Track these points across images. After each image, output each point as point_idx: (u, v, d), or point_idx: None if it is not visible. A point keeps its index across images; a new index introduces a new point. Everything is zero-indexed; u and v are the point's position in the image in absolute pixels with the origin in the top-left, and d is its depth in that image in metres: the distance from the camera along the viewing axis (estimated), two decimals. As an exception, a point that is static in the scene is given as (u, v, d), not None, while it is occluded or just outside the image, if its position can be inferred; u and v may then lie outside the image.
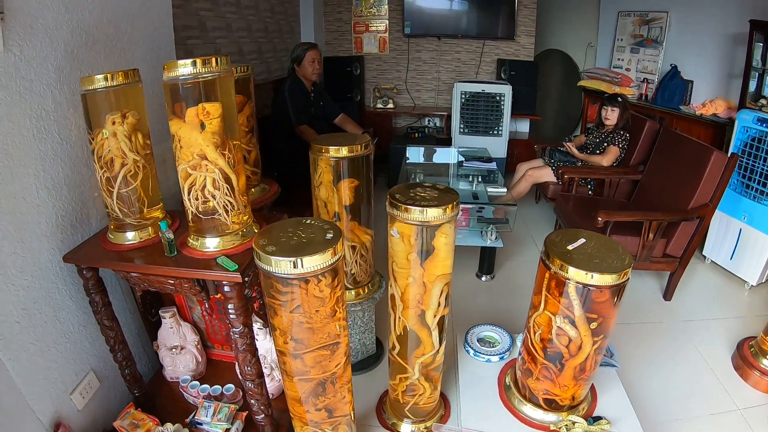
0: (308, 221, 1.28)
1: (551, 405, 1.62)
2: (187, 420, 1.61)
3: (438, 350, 1.64)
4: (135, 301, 1.79)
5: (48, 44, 1.43)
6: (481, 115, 3.70)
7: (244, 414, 1.65)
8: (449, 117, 4.01)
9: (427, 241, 1.43)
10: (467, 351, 1.95)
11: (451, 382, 1.99)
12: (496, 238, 2.66)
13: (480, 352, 1.92)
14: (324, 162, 1.74)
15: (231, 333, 1.42)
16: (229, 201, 1.37)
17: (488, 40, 4.23)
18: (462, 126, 3.76)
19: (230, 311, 1.38)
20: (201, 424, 1.59)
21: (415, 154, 3.41)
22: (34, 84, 1.40)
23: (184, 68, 1.23)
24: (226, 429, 1.59)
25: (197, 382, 1.75)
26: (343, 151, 1.72)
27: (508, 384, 1.78)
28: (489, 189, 2.81)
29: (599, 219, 2.29)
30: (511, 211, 2.72)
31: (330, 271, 1.16)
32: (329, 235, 1.20)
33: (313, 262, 1.12)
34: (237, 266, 1.34)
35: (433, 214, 1.36)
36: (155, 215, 1.56)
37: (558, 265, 1.38)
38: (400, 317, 1.60)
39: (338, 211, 1.80)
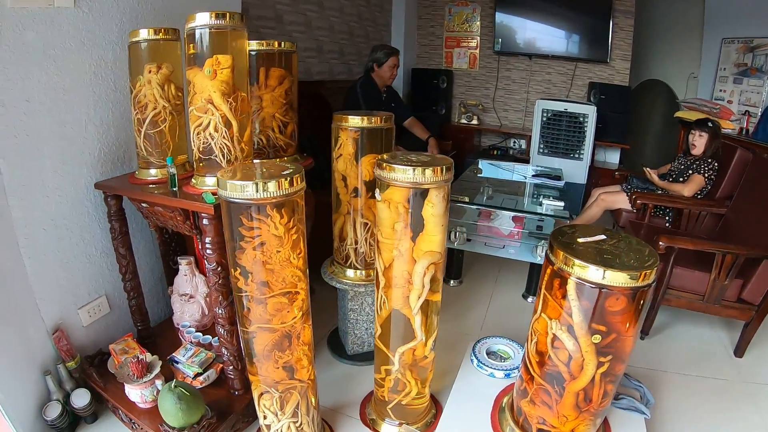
0: (278, 162, 1.34)
1: None
2: (169, 356, 1.71)
3: (423, 342, 1.55)
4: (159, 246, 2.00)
5: (114, 7, 1.72)
6: (562, 136, 3.52)
7: (220, 366, 1.71)
8: (531, 135, 3.89)
9: (414, 209, 1.37)
10: (471, 360, 1.79)
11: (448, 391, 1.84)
12: (546, 255, 2.46)
13: (484, 364, 1.75)
14: (344, 134, 1.79)
15: (206, 270, 1.51)
16: (226, 144, 1.48)
17: (581, 62, 4.05)
18: (542, 146, 3.60)
19: (207, 245, 1.47)
20: (177, 362, 1.69)
21: (487, 168, 3.32)
22: (97, 38, 1.69)
23: (201, 19, 1.38)
24: (197, 373, 1.66)
25: (193, 329, 1.86)
26: (362, 122, 1.75)
27: (503, 406, 1.60)
28: (545, 201, 2.63)
29: (660, 244, 2.02)
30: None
31: (286, 205, 1.23)
32: (288, 171, 1.25)
33: (268, 189, 1.18)
34: (215, 200, 1.42)
35: (417, 175, 1.30)
36: (181, 160, 1.73)
37: (561, 258, 1.16)
38: (382, 296, 1.55)
39: (357, 186, 1.83)
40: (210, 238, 1.45)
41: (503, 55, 4.33)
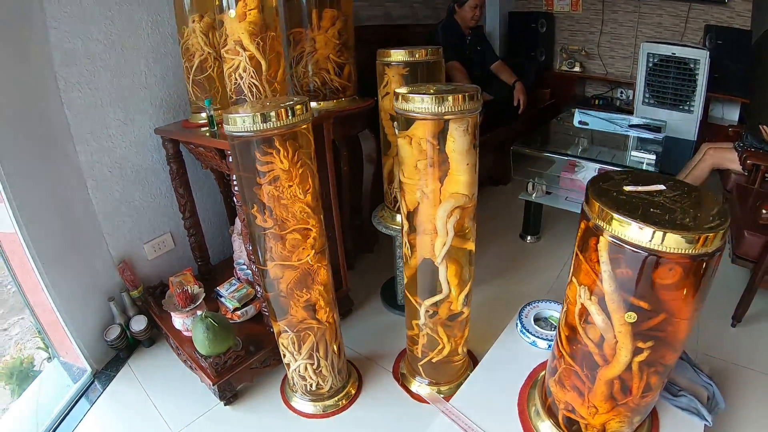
0: (293, 98, 1.34)
1: (572, 428, 1.18)
2: (215, 289, 1.83)
3: (452, 296, 1.45)
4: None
5: None
6: (669, 84, 2.98)
7: (259, 306, 1.78)
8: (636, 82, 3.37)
9: (436, 149, 1.24)
10: (516, 324, 1.64)
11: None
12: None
13: (527, 330, 1.58)
14: (390, 70, 1.70)
15: (237, 223, 1.57)
16: (254, 83, 1.50)
17: (695, 2, 3.38)
18: (647, 95, 3.10)
19: (234, 180, 1.51)
20: (221, 296, 1.79)
21: (583, 118, 2.98)
22: None
23: None
24: (236, 307, 1.74)
25: (245, 266, 1.94)
26: (406, 55, 1.65)
27: (537, 381, 1.41)
28: (633, 153, 2.29)
29: (763, 212, 1.66)
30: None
31: (289, 137, 1.24)
32: (290, 102, 1.24)
33: (271, 119, 1.19)
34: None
35: (434, 104, 1.17)
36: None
37: (597, 211, 0.90)
38: (407, 243, 1.48)
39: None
40: (235, 167, 1.50)
41: None
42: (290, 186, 1.30)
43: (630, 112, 3.29)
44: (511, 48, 4.21)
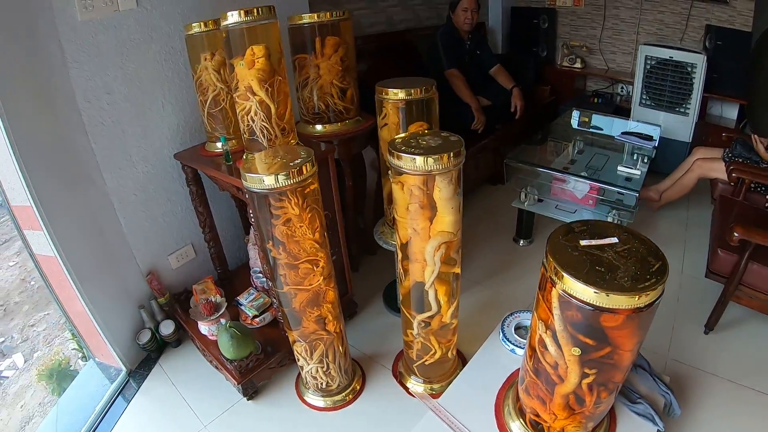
0: (297, 149, 1.51)
1: (537, 429, 1.38)
2: (235, 298, 2.06)
3: (440, 313, 1.66)
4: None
5: None
6: (666, 86, 3.06)
7: (275, 310, 2.01)
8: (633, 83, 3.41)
9: (424, 191, 1.42)
10: (498, 332, 1.86)
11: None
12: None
13: (507, 339, 1.77)
14: (388, 104, 1.83)
15: (253, 235, 1.76)
16: (265, 126, 1.66)
17: (697, 1, 3.38)
18: (644, 96, 3.19)
19: (250, 214, 1.69)
20: (240, 304, 2.02)
21: (575, 119, 3.11)
22: (163, 29, 1.90)
23: (232, 18, 1.51)
24: (255, 315, 1.98)
25: (261, 274, 2.14)
26: (402, 94, 1.79)
27: (513, 384, 1.59)
28: (620, 168, 2.44)
29: (734, 234, 1.78)
30: (629, 197, 2.30)
31: (299, 191, 1.41)
32: (298, 160, 1.41)
33: (282, 181, 1.37)
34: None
35: (423, 163, 1.35)
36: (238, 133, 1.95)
37: (551, 264, 1.06)
38: (401, 268, 1.68)
39: None
40: (253, 211, 1.69)
41: None
42: (301, 226, 1.49)
43: (628, 111, 3.39)
44: (513, 43, 4.24)
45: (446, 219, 1.50)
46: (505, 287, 2.42)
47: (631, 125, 2.92)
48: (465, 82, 2.89)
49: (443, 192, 1.45)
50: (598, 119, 3.02)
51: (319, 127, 2.10)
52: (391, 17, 3.24)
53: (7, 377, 2.55)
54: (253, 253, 2.22)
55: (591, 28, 4.03)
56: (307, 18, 1.96)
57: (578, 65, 4.04)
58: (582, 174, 2.46)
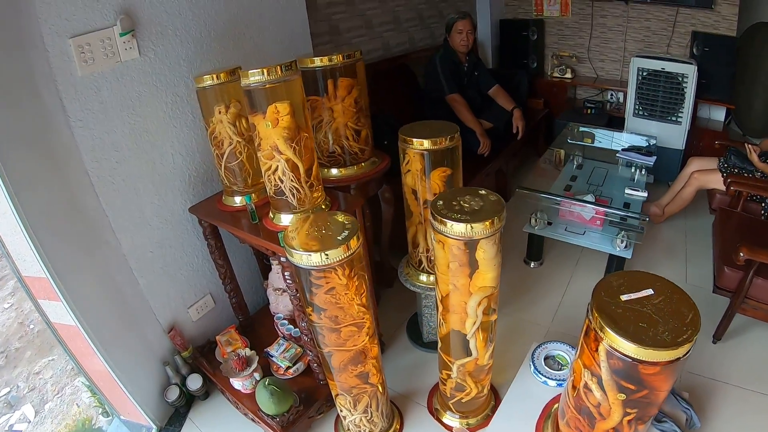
0: (338, 217, 1.41)
1: None
2: (264, 349, 1.95)
3: (479, 358, 1.63)
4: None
5: (178, 44, 1.76)
6: (659, 96, 3.05)
7: (307, 359, 1.92)
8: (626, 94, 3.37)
9: (466, 253, 1.38)
10: (529, 365, 1.83)
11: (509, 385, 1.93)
12: (626, 246, 2.30)
13: (539, 371, 1.78)
14: (411, 151, 1.75)
15: (288, 294, 1.65)
16: (294, 186, 1.54)
17: (682, 8, 3.36)
18: (637, 107, 3.17)
19: (287, 277, 1.59)
20: (272, 356, 1.91)
21: (571, 130, 3.08)
22: (168, 77, 1.76)
23: (255, 77, 1.39)
24: (288, 366, 1.88)
25: (286, 321, 2.04)
26: (427, 144, 1.69)
27: (550, 414, 1.64)
28: (627, 190, 2.42)
29: (740, 255, 1.78)
30: (647, 224, 2.30)
31: (347, 263, 1.32)
32: (345, 233, 1.32)
33: (331, 257, 1.27)
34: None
35: (467, 230, 1.31)
36: (261, 183, 1.80)
37: (596, 319, 1.12)
38: (440, 318, 1.63)
39: (427, 199, 1.80)
40: (289, 273, 1.56)
41: (597, 1, 3.73)
42: (346, 294, 1.40)
43: (620, 119, 3.36)
44: (503, 56, 4.12)
45: (488, 276, 1.46)
46: (524, 313, 2.38)
47: (626, 137, 2.91)
48: (467, 106, 2.80)
49: (487, 253, 1.40)
50: (594, 132, 3.00)
51: (334, 171, 1.98)
52: (388, 42, 3.13)
53: (20, 431, 2.39)
54: (274, 298, 2.12)
55: (579, 38, 3.97)
56: (319, 61, 1.83)
57: (569, 75, 3.97)
58: (588, 197, 2.41)
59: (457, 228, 1.33)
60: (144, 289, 1.85)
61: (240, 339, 1.98)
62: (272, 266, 2.10)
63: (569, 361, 1.83)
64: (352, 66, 1.88)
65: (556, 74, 4.02)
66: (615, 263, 2.41)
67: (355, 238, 1.31)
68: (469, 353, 1.62)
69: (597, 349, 1.16)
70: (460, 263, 1.42)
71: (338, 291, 1.39)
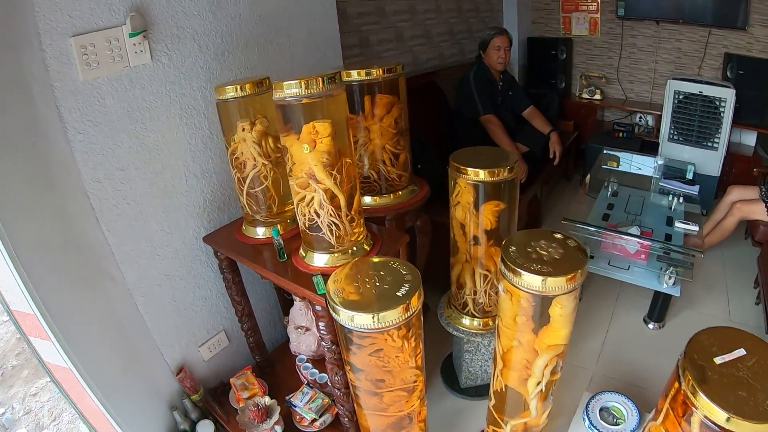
0: (393, 263, 1.08)
1: None
2: (286, 398, 1.59)
3: (537, 418, 1.30)
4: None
5: (196, 49, 1.42)
6: (695, 121, 2.72)
7: (335, 410, 1.56)
8: (661, 117, 2.99)
9: (539, 307, 1.08)
10: (583, 418, 1.50)
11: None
12: (674, 283, 1.96)
13: (594, 426, 1.45)
14: (463, 181, 1.41)
15: (322, 344, 1.30)
16: (333, 222, 1.20)
17: (715, 29, 3.04)
18: (672, 131, 2.82)
19: (321, 327, 1.24)
20: (295, 406, 1.55)
21: (606, 157, 2.74)
22: (184, 87, 1.41)
23: (291, 89, 1.06)
24: (314, 419, 1.52)
25: (310, 364, 1.69)
26: (483, 174, 1.35)
27: None
28: (678, 224, 2.08)
29: None
30: (695, 259, 1.97)
31: (404, 324, 1.00)
32: (404, 289, 1.00)
33: (385, 319, 0.96)
34: (324, 291, 1.19)
35: (541, 283, 1.02)
36: (288, 212, 1.47)
37: (689, 384, 0.91)
38: (498, 376, 1.29)
39: (477, 235, 1.47)
40: (324, 323, 1.21)
41: (627, 20, 3.37)
42: (398, 357, 1.06)
43: (652, 143, 3.03)
44: (531, 76, 3.74)
45: (561, 333, 1.15)
46: (566, 355, 2.01)
47: (660, 163, 2.58)
48: (503, 128, 2.42)
49: (564, 309, 1.09)
50: (628, 157, 2.66)
51: (368, 199, 1.62)
52: (418, 57, 2.76)
53: (15, 456, 2.03)
54: (295, 337, 1.76)
55: (608, 58, 3.59)
56: (356, 75, 1.49)
57: (598, 97, 3.59)
58: (633, 230, 2.07)
59: (532, 281, 1.03)
60: (150, 327, 1.50)
61: (257, 383, 1.62)
62: (294, 301, 1.75)
63: (625, 414, 1.50)
64: (393, 82, 1.54)
65: (584, 95, 3.63)
66: (661, 301, 2.08)
67: (416, 295, 0.98)
68: (525, 412, 1.30)
69: (685, 416, 0.94)
70: (529, 317, 1.12)
71: (387, 353, 1.06)
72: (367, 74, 1.49)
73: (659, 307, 2.09)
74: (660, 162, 2.65)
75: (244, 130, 1.31)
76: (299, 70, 1.74)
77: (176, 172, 1.46)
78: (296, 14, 1.70)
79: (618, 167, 2.69)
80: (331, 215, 1.19)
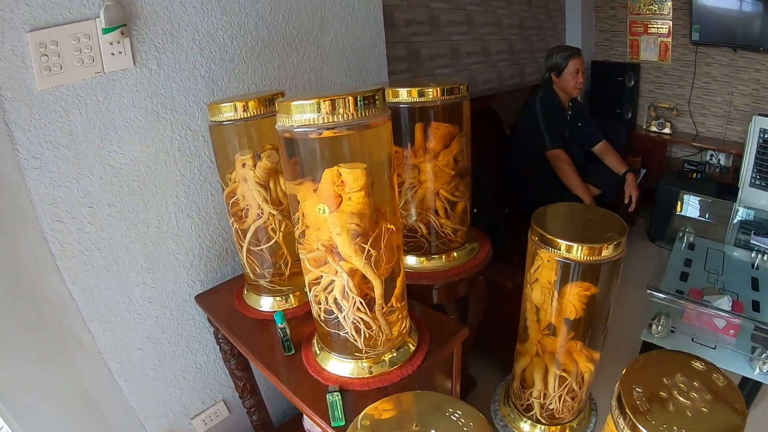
0: (452, 409, 0.56)
1: None
2: None
3: None
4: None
5: (197, 53, 0.95)
6: None
7: None
8: (738, 156, 2.33)
9: None
10: None
11: None
12: (768, 371, 1.35)
13: None
14: (546, 254, 0.89)
15: None
16: (362, 320, 0.70)
17: None
18: (756, 176, 2.16)
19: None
20: None
21: (689, 204, 2.10)
22: (177, 101, 0.95)
23: (302, 113, 0.56)
24: None
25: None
26: (581, 251, 0.83)
27: None
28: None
29: None
30: None
31: None
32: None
33: None
34: (343, 422, 0.68)
35: None
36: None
37: None
38: None
39: (554, 324, 0.94)
40: None
41: (701, 46, 2.67)
42: None
43: (729, 187, 2.35)
44: (594, 104, 3.00)
45: None
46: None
47: (742, 212, 1.93)
48: (573, 166, 1.84)
49: None
50: (706, 203, 2.02)
51: (412, 260, 1.09)
52: (474, 77, 2.19)
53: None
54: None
55: (678, 87, 2.86)
56: (406, 95, 0.98)
57: (667, 130, 2.86)
58: (724, 302, 1.46)
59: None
60: (129, 396, 1.04)
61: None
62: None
63: None
64: (455, 107, 1.02)
65: (653, 128, 2.90)
66: (749, 387, 1.45)
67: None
68: None
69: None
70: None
71: None
72: (421, 94, 0.98)
73: (747, 394, 1.46)
74: (743, 210, 1.99)
75: (245, 165, 0.83)
76: (330, 86, 1.25)
77: (164, 210, 1.00)
78: (331, 14, 1.22)
79: (697, 215, 2.05)
80: (359, 309, 0.68)
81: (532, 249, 0.93)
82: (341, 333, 0.72)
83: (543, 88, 1.96)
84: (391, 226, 0.69)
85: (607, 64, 2.96)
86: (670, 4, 2.72)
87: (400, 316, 0.76)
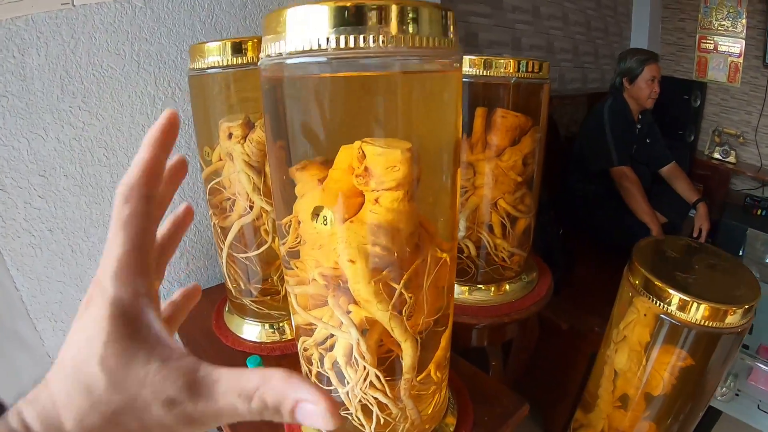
0: None
1: None
2: None
3: None
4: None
5: None
6: None
7: None
8: None
9: None
10: None
11: None
12: None
13: None
14: (643, 305, 0.54)
15: None
16: (377, 399, 0.38)
17: None
18: None
19: None
20: None
21: (757, 243, 1.66)
22: (166, 49, 0.65)
23: (303, 25, 0.25)
24: None
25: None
26: (699, 312, 0.49)
27: None
28: None
29: None
30: None
31: None
32: None
33: None
34: None
35: None
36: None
37: None
38: None
39: (629, 395, 0.59)
40: None
41: None
42: None
43: None
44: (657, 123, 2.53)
45: None
46: None
47: None
48: (641, 188, 1.44)
49: None
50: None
51: (457, 292, 0.75)
52: (564, 75, 1.79)
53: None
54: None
55: (746, 113, 2.36)
56: (468, 64, 0.64)
57: (732, 159, 2.35)
58: None
59: None
60: None
61: None
62: None
63: None
64: (534, 91, 0.68)
65: (716, 155, 2.39)
66: None
67: None
68: None
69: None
70: None
71: None
72: (487, 66, 0.64)
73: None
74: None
75: (232, 136, 0.51)
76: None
77: (139, 190, 0.70)
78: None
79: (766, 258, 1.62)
80: (374, 386, 0.36)
81: (626, 296, 0.59)
82: (342, 412, 0.41)
83: (612, 95, 1.56)
84: (444, 255, 0.36)
85: (672, 79, 2.42)
86: (744, 21, 2.25)
87: (435, 390, 0.44)
